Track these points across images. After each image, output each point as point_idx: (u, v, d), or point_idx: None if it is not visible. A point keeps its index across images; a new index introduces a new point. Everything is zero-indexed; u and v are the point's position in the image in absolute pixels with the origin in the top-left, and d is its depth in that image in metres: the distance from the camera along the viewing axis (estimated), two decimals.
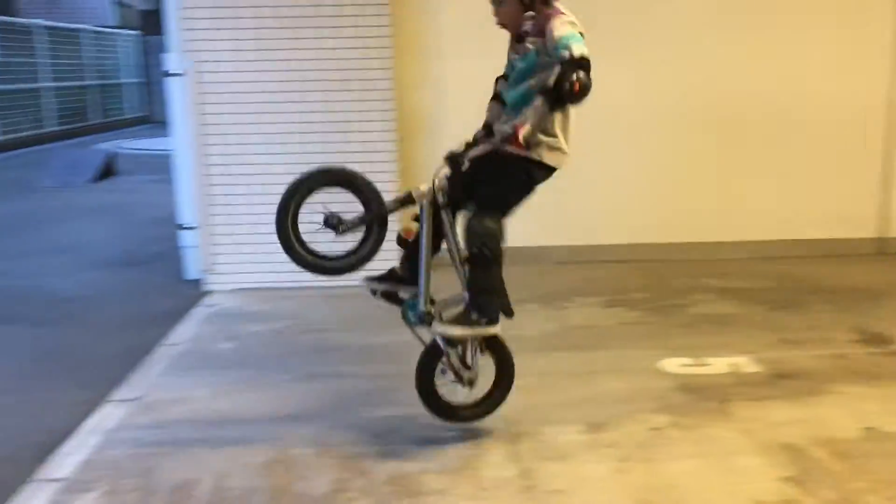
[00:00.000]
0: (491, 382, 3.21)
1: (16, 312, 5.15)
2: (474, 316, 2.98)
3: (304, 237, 2.97)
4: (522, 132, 2.73)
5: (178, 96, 5.30)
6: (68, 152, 12.05)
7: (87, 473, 2.98)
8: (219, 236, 5.41)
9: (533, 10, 2.89)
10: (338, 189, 2.99)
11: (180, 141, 5.42)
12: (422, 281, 3.02)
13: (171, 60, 5.28)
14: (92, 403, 3.66)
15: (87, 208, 8.81)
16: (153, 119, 20.47)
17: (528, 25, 2.90)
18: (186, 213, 5.56)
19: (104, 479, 2.92)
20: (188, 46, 5.14)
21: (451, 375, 3.11)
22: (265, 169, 5.28)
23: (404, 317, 3.11)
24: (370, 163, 5.23)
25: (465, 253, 2.99)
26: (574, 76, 2.63)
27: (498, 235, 2.95)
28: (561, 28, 2.77)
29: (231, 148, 5.27)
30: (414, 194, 2.99)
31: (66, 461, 3.09)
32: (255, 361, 4.12)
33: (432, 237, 3.01)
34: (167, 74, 5.30)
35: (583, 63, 2.67)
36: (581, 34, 2.76)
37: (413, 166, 5.68)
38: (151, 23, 20.50)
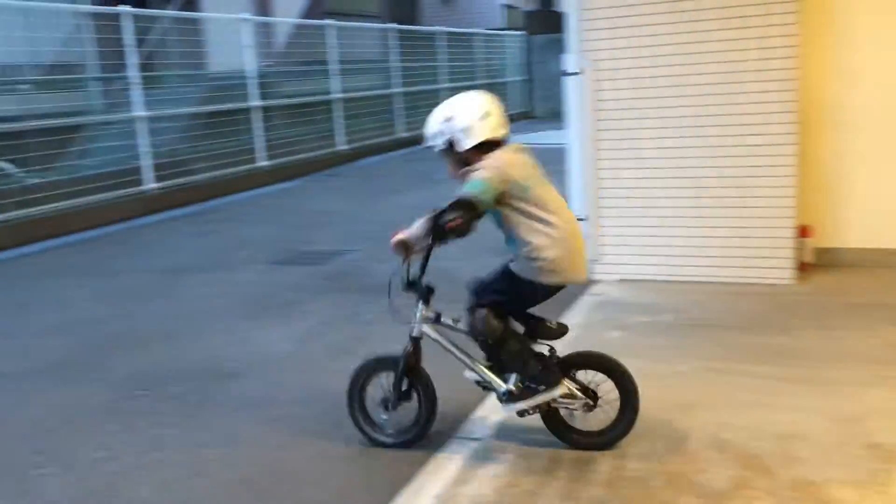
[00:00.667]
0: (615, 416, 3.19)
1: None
2: (533, 385, 3.12)
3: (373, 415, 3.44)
4: (397, 237, 3.19)
5: (574, 94, 5.59)
6: None
7: (500, 436, 3.34)
8: (606, 227, 5.62)
9: (468, 165, 3.04)
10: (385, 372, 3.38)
11: (574, 136, 5.71)
12: (483, 375, 3.25)
13: (569, 60, 5.57)
14: None
15: None
16: (533, 115, 21.63)
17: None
18: (576, 204, 5.84)
19: (516, 444, 3.25)
20: (587, 46, 5.40)
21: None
22: (655, 164, 5.38)
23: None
24: (769, 156, 5.08)
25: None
26: (452, 216, 2.87)
27: (490, 328, 3.09)
28: (474, 175, 2.97)
29: (622, 143, 5.43)
30: (413, 336, 3.28)
31: (482, 424, 3.48)
32: (645, 351, 4.23)
33: (513, 327, 3.19)
34: (565, 74, 5.60)
35: (468, 205, 2.87)
36: (493, 178, 2.92)
37: (815, 162, 5.38)
38: (535, 23, 21.64)
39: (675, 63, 5.20)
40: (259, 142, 11.86)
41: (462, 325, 3.24)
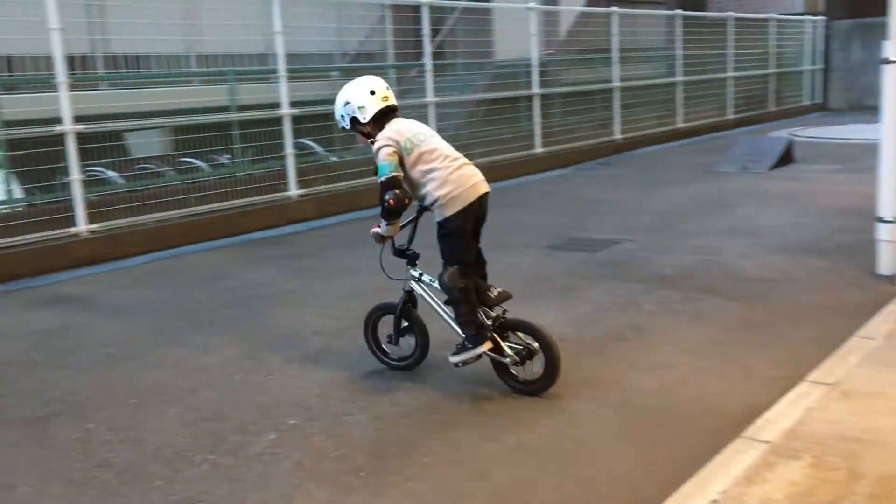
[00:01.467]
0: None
1: (710, 285, 5.66)
2: (466, 343, 3.87)
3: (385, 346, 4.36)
4: (372, 230, 3.98)
5: (893, 84, 5.09)
6: (750, 139, 12.55)
7: (791, 442, 3.17)
8: None
9: (372, 137, 3.88)
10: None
11: (889, 131, 5.21)
12: (451, 325, 4.00)
13: (891, 47, 5.08)
14: (787, 379, 3.88)
15: (765, 194, 9.10)
16: (828, 107, 19.95)
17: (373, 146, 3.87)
18: (887, 205, 5.34)
19: (809, 451, 3.08)
20: None
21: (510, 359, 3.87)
22: None
23: None
24: None
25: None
26: (385, 198, 3.73)
27: (454, 282, 3.77)
28: (378, 154, 3.79)
29: None
30: (406, 290, 4.15)
31: (770, 427, 3.33)
32: None
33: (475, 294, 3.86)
34: (885, 62, 5.12)
35: (389, 184, 3.73)
36: (395, 149, 3.77)
37: None
38: (839, 6, 19.87)
39: None
40: (536, 129, 12.11)
41: (436, 283, 3.95)
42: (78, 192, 7.35)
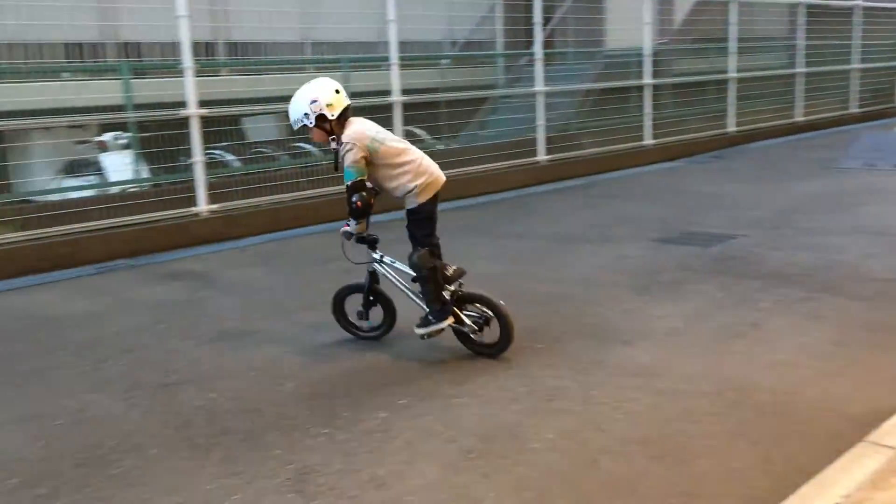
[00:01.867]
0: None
1: (831, 284, 5.43)
2: (430, 318, 4.27)
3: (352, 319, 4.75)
4: (341, 230, 4.39)
5: None
6: (875, 135, 11.91)
7: None
8: None
9: (334, 134, 4.16)
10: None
11: None
12: (414, 300, 4.41)
13: None
14: None
15: (892, 192, 8.66)
16: None
17: (333, 143, 4.19)
18: None
19: None
20: None
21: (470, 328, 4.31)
22: None
23: None
24: None
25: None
26: (352, 200, 4.14)
27: (423, 262, 4.18)
28: (345, 157, 4.09)
29: None
30: (369, 270, 4.50)
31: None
32: None
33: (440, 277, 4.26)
34: None
35: (355, 188, 4.12)
36: (363, 150, 4.08)
37: None
38: None
39: None
40: (647, 120, 11.87)
41: (398, 264, 4.40)
42: (200, 174, 7.68)
